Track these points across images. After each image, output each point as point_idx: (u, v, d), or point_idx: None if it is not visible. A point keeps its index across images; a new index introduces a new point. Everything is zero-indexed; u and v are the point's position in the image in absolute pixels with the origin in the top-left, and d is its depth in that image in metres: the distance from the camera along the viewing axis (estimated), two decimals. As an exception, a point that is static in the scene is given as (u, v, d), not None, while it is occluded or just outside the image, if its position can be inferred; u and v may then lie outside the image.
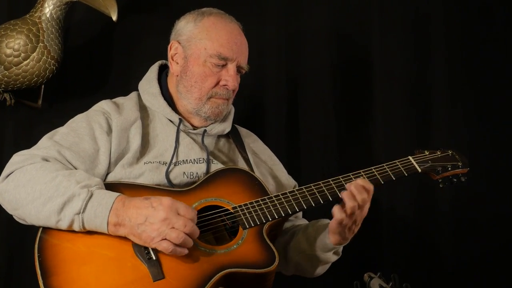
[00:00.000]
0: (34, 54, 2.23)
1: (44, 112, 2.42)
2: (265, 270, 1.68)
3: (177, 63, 2.00)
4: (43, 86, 2.37)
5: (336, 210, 1.79)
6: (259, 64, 2.61)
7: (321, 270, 2.02)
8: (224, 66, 1.95)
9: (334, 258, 1.97)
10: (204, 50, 1.94)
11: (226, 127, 2.07)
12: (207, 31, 1.95)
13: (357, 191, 1.78)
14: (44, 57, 2.24)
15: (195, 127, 2.01)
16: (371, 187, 1.82)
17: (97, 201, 1.64)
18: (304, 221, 2.12)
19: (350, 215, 1.78)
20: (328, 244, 1.88)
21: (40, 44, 2.23)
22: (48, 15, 2.25)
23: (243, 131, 2.20)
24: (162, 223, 1.61)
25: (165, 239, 1.62)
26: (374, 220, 2.61)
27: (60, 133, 1.86)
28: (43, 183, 1.67)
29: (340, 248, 1.94)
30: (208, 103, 1.97)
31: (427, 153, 2.02)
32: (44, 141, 1.84)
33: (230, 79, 1.95)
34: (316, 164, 2.66)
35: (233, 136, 2.11)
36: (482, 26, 2.73)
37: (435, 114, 2.70)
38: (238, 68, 1.99)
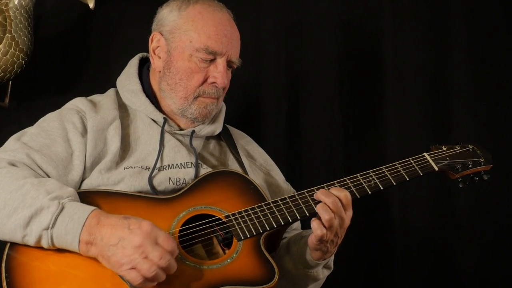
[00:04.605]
0: (1, 46, 2.23)
1: (11, 112, 2.41)
2: (264, 287, 1.67)
3: (160, 57, 1.99)
4: (10, 82, 2.36)
5: (315, 225, 1.76)
6: (255, 58, 2.62)
7: None
8: (212, 61, 1.94)
9: (324, 273, 1.95)
10: (190, 43, 1.93)
11: (216, 127, 2.06)
12: (193, 22, 1.94)
13: (324, 197, 1.76)
14: (12, 49, 2.23)
15: (181, 128, 2.01)
16: (346, 194, 1.78)
17: (68, 216, 1.61)
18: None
19: (329, 228, 1.76)
20: (311, 261, 1.87)
21: (7, 35, 2.23)
22: (16, 2, 2.24)
23: (235, 132, 2.20)
24: (135, 249, 1.56)
25: (135, 268, 1.57)
26: (386, 234, 2.63)
27: (29, 133, 1.84)
28: (8, 192, 1.64)
29: (330, 261, 1.93)
30: (195, 103, 1.96)
31: (445, 149, 2.02)
32: (11, 142, 1.82)
33: (219, 75, 1.93)
34: (320, 170, 2.68)
35: (225, 137, 2.10)
36: (505, 12, 2.74)
37: (454, 112, 2.71)
38: (229, 63, 1.98)
